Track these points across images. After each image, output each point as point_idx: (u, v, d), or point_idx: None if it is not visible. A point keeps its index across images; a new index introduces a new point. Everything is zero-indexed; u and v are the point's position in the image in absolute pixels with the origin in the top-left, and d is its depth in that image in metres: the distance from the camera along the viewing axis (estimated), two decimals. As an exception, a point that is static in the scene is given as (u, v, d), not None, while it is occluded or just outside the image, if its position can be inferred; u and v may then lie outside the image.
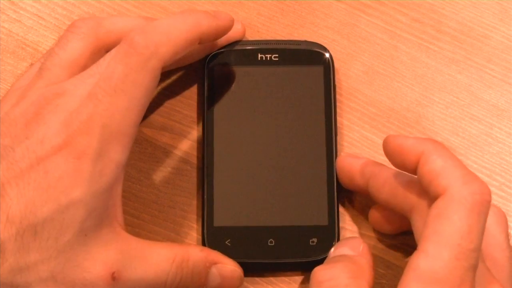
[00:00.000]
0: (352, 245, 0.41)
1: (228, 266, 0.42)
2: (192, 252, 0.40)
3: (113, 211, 0.38)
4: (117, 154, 0.37)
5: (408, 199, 0.39)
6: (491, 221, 0.40)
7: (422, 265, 0.35)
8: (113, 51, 0.39)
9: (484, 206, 0.36)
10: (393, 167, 0.41)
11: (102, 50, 0.41)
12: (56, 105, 0.37)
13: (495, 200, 0.46)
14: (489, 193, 0.36)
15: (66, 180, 0.35)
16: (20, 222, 0.35)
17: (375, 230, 0.45)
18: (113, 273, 0.37)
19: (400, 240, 0.44)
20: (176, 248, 0.40)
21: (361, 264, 0.39)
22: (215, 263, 0.41)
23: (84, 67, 0.40)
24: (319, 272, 0.39)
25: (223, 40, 0.46)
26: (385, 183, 0.41)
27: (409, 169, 0.39)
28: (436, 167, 0.37)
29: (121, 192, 0.39)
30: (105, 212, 0.37)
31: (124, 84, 0.37)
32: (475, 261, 0.35)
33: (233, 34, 0.46)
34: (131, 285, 0.38)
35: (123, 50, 0.37)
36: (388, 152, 0.40)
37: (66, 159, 0.36)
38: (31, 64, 0.47)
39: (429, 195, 0.37)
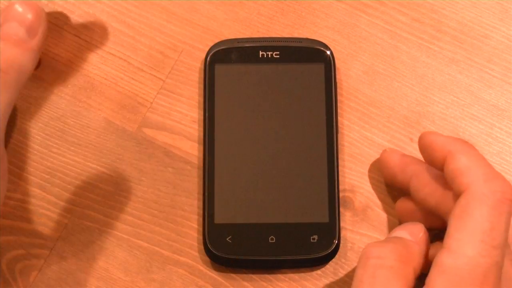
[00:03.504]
0: (412, 231, 0.41)
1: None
2: None
3: None
4: None
5: (446, 201, 0.40)
6: None
7: (446, 261, 0.36)
8: None
9: (505, 204, 0.36)
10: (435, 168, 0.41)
11: None
12: None
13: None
14: (511, 192, 0.36)
15: None
16: None
17: (375, 231, 0.45)
18: None
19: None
20: None
21: (413, 250, 0.39)
22: None
23: None
24: (369, 247, 0.39)
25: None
26: (426, 183, 0.41)
27: (437, 166, 0.40)
28: (460, 166, 0.38)
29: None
30: None
31: None
32: (499, 258, 0.35)
33: None
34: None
35: None
36: (421, 147, 0.41)
37: None
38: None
39: (454, 193, 0.38)
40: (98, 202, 0.46)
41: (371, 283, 0.37)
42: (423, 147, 0.41)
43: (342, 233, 0.45)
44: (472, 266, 0.35)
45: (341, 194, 0.45)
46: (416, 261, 0.39)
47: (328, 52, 0.47)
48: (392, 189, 0.46)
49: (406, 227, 0.41)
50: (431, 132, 0.41)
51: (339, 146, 0.45)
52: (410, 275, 0.38)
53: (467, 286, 0.35)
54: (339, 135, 0.46)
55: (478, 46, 0.49)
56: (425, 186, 0.41)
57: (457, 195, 0.37)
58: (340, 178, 0.45)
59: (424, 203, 0.42)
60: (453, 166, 0.38)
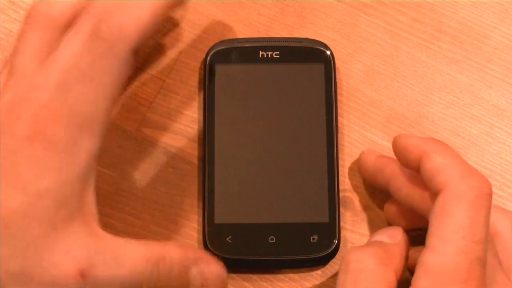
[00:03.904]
0: (390, 234, 0.41)
1: (210, 266, 0.40)
2: (169, 250, 0.38)
3: (85, 204, 0.37)
4: (88, 142, 0.36)
5: (425, 201, 0.40)
6: (510, 227, 0.41)
7: (429, 261, 0.36)
8: (72, 35, 0.37)
9: (483, 198, 0.36)
10: None
11: (63, 30, 0.39)
12: (29, 100, 0.36)
13: (495, 200, 0.46)
14: (488, 186, 0.37)
15: (34, 170, 0.35)
16: None
17: (375, 231, 0.45)
18: (83, 270, 0.35)
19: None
20: (153, 245, 0.38)
21: (393, 252, 0.39)
22: (196, 262, 0.39)
23: (50, 53, 0.39)
24: (349, 253, 0.39)
25: None
26: (405, 184, 0.41)
27: (413, 167, 0.40)
28: (435, 165, 0.38)
29: (94, 185, 0.38)
30: (77, 205, 0.36)
31: (91, 71, 0.36)
32: (481, 253, 0.35)
33: None
34: (102, 284, 0.36)
35: (86, 37, 0.36)
36: (395, 151, 0.41)
37: (35, 149, 0.35)
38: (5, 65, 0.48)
39: (432, 192, 0.38)
40: (98, 202, 0.45)
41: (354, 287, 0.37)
42: (398, 151, 0.41)
43: (342, 233, 0.45)
44: (455, 263, 0.35)
45: (341, 194, 0.45)
46: (396, 263, 0.39)
47: (328, 52, 0.47)
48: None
49: (384, 231, 0.41)
50: (404, 135, 0.41)
51: (339, 146, 0.45)
52: (391, 277, 0.38)
53: (452, 283, 0.35)
54: (339, 135, 0.46)
55: (478, 46, 0.49)
56: (403, 187, 0.41)
57: (435, 194, 0.38)
58: (340, 178, 0.45)
59: (405, 204, 0.42)
60: (428, 166, 0.38)
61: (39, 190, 0.35)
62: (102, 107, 0.36)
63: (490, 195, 0.36)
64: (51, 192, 0.35)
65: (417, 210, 0.41)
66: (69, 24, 0.38)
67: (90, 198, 0.37)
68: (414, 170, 0.40)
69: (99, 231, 0.37)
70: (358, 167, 0.45)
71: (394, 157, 0.42)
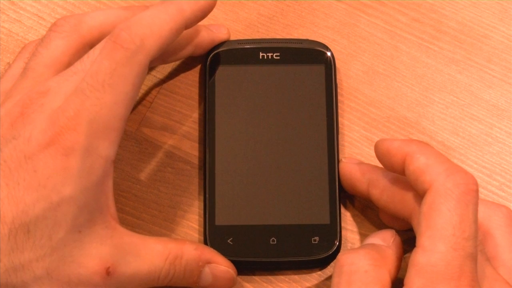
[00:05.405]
0: (383, 236, 0.41)
1: (221, 267, 0.42)
2: (186, 250, 0.40)
3: (105, 206, 0.38)
4: (106, 149, 0.37)
5: (406, 205, 0.40)
6: (500, 223, 0.41)
7: (421, 260, 0.36)
8: (97, 48, 0.38)
9: (470, 195, 0.36)
10: (390, 172, 0.41)
11: (86, 46, 0.41)
12: (41, 104, 0.37)
13: (495, 200, 0.46)
14: (474, 183, 0.37)
15: (56, 178, 0.35)
16: (12, 221, 0.35)
17: (375, 231, 0.45)
18: (108, 268, 0.37)
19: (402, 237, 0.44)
20: (170, 244, 0.40)
21: (386, 254, 0.39)
22: (209, 262, 0.41)
23: (68, 64, 0.40)
24: (342, 256, 0.39)
25: (210, 44, 0.47)
26: (384, 190, 0.42)
27: (398, 170, 0.40)
28: (420, 165, 0.38)
29: (112, 187, 0.39)
30: (98, 207, 0.37)
31: (111, 79, 0.37)
32: (472, 249, 0.36)
33: (219, 38, 0.47)
34: (125, 280, 0.38)
35: (108, 46, 0.37)
36: (378, 156, 0.41)
37: (54, 156, 0.35)
38: (8, 63, 0.48)
39: (418, 193, 0.38)
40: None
41: None
42: (381, 155, 0.41)
43: (343, 233, 0.45)
44: (447, 261, 0.35)
45: (341, 194, 0.45)
46: (390, 264, 0.39)
47: (329, 54, 0.47)
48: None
49: (377, 234, 0.41)
50: (385, 139, 0.41)
51: (339, 147, 0.45)
52: (385, 278, 0.38)
53: (445, 281, 0.35)
54: (339, 136, 0.46)
55: (478, 46, 0.49)
56: (383, 193, 0.42)
57: (421, 195, 0.38)
58: (341, 178, 0.45)
59: (386, 209, 0.42)
60: (413, 167, 0.38)
61: (62, 197, 0.35)
62: (119, 113, 0.37)
63: (476, 191, 0.37)
64: (73, 199, 0.36)
65: (399, 215, 0.41)
66: (95, 42, 0.40)
67: (110, 200, 0.39)
68: (398, 173, 0.40)
69: (120, 229, 0.39)
70: (339, 180, 0.45)
71: (377, 162, 0.42)
